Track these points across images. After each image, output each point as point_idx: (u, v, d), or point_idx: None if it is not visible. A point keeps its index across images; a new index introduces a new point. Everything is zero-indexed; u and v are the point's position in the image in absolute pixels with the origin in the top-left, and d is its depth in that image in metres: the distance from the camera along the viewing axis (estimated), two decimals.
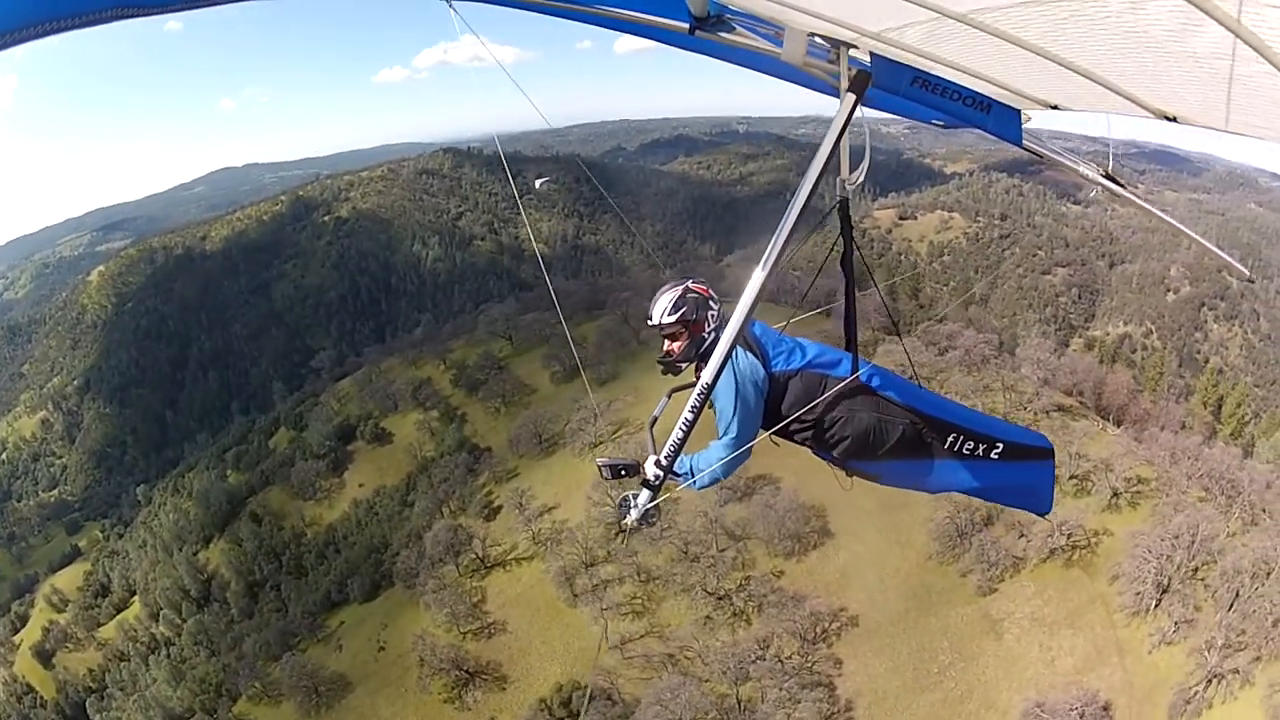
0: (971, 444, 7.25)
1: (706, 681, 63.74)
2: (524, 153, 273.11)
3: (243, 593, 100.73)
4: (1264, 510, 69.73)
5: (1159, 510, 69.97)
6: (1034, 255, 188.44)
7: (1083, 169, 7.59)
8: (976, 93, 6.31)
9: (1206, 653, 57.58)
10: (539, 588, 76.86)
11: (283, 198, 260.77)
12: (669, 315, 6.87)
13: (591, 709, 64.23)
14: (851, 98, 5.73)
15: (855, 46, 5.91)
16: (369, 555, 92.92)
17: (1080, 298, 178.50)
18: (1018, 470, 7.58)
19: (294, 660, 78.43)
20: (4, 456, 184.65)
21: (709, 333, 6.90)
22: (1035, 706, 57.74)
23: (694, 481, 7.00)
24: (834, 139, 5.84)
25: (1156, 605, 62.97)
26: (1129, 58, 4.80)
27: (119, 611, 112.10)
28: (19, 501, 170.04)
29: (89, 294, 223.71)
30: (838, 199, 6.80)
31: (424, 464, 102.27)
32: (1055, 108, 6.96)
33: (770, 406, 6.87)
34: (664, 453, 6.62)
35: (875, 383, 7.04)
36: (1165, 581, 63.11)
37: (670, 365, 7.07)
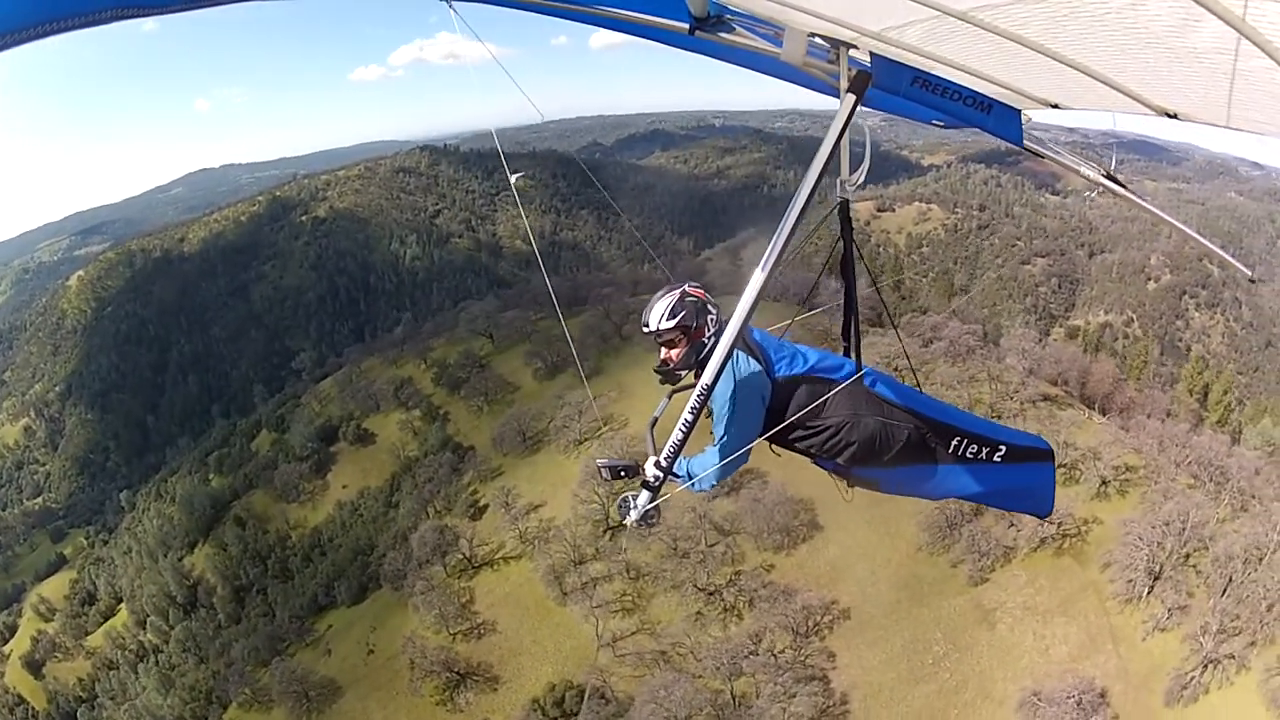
0: (975, 447, 7.21)
1: (700, 678, 63.44)
2: (501, 149, 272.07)
3: (229, 598, 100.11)
4: (1253, 496, 69.85)
5: (1148, 498, 70.01)
6: (1013, 245, 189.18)
7: (1084, 169, 7.66)
8: (977, 93, 6.35)
9: (1202, 638, 57.62)
10: (528, 587, 76.41)
11: (260, 198, 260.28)
12: (667, 321, 6.71)
13: (585, 708, 63.99)
14: (851, 98, 5.71)
15: (855, 46, 5.95)
16: (355, 557, 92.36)
17: (1060, 287, 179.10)
18: (1019, 473, 7.52)
19: (283, 666, 77.80)
20: None
21: (709, 338, 6.77)
22: (1032, 695, 57.86)
23: (693, 483, 6.97)
24: (834, 139, 5.80)
25: (1149, 592, 62.96)
26: (1130, 54, 4.80)
27: (106, 619, 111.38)
28: (4, 510, 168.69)
29: (69, 299, 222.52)
30: (838, 200, 6.75)
31: (408, 464, 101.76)
32: (1056, 106, 6.99)
33: (773, 413, 6.79)
34: (664, 454, 6.57)
35: (878, 387, 7.01)
36: (1157, 568, 63.06)
37: (669, 374, 7.02)
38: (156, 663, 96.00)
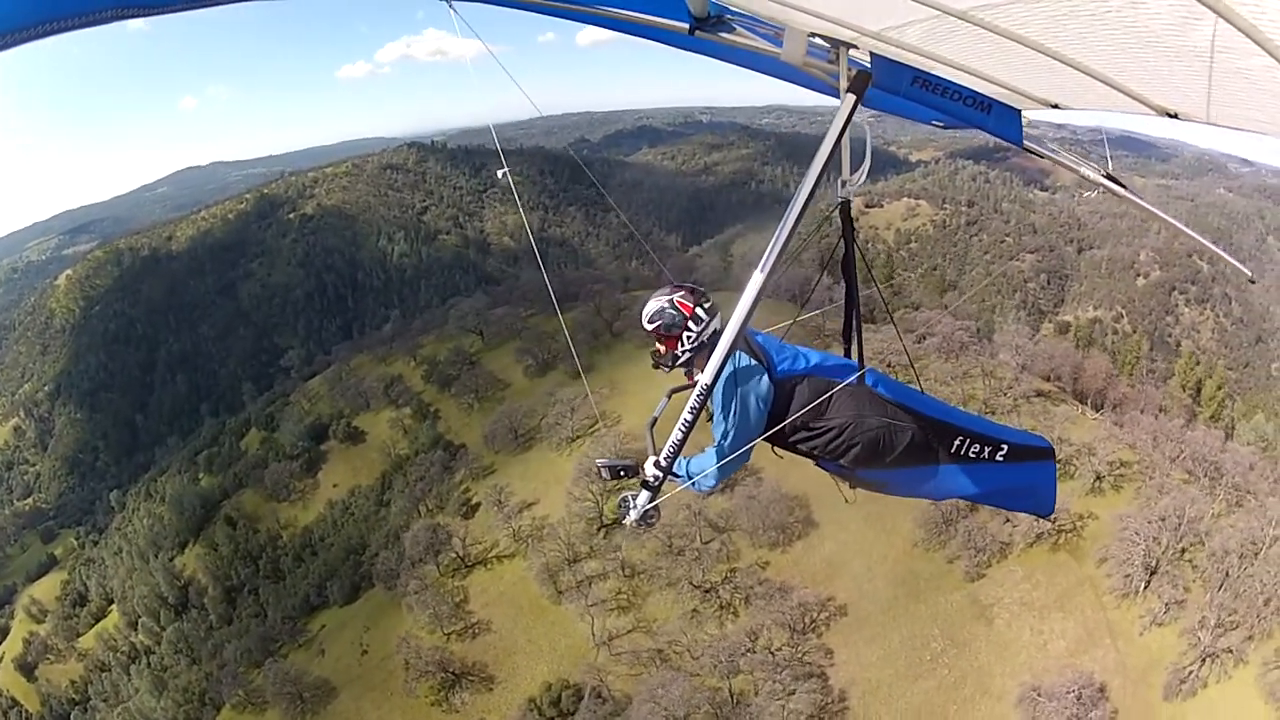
0: (977, 447, 7.21)
1: (697, 675, 63.23)
2: (487, 145, 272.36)
3: (221, 598, 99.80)
4: (1248, 492, 70.19)
5: (1143, 493, 70.20)
6: (1002, 242, 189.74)
7: (1084, 170, 7.61)
8: (977, 93, 6.31)
9: (1199, 633, 57.75)
10: (522, 586, 76.17)
11: (247, 196, 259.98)
12: (649, 323, 6.91)
13: (582, 708, 63.77)
14: (852, 98, 5.73)
15: (855, 46, 5.99)
16: (347, 557, 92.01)
17: (1049, 283, 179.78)
18: (1021, 472, 7.52)
19: (276, 667, 77.44)
20: None
21: (683, 351, 6.89)
22: (1031, 690, 57.89)
23: (693, 483, 6.99)
24: (834, 139, 5.80)
25: (1145, 587, 63.05)
26: (1130, 54, 4.80)
27: (97, 621, 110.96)
28: None
29: (57, 298, 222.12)
30: (839, 200, 6.78)
31: (399, 462, 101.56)
32: (1056, 106, 7.00)
33: (775, 414, 6.81)
34: (663, 454, 6.63)
35: (880, 388, 7.01)
36: (1153, 564, 63.19)
37: (658, 364, 7.11)
38: (149, 664, 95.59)
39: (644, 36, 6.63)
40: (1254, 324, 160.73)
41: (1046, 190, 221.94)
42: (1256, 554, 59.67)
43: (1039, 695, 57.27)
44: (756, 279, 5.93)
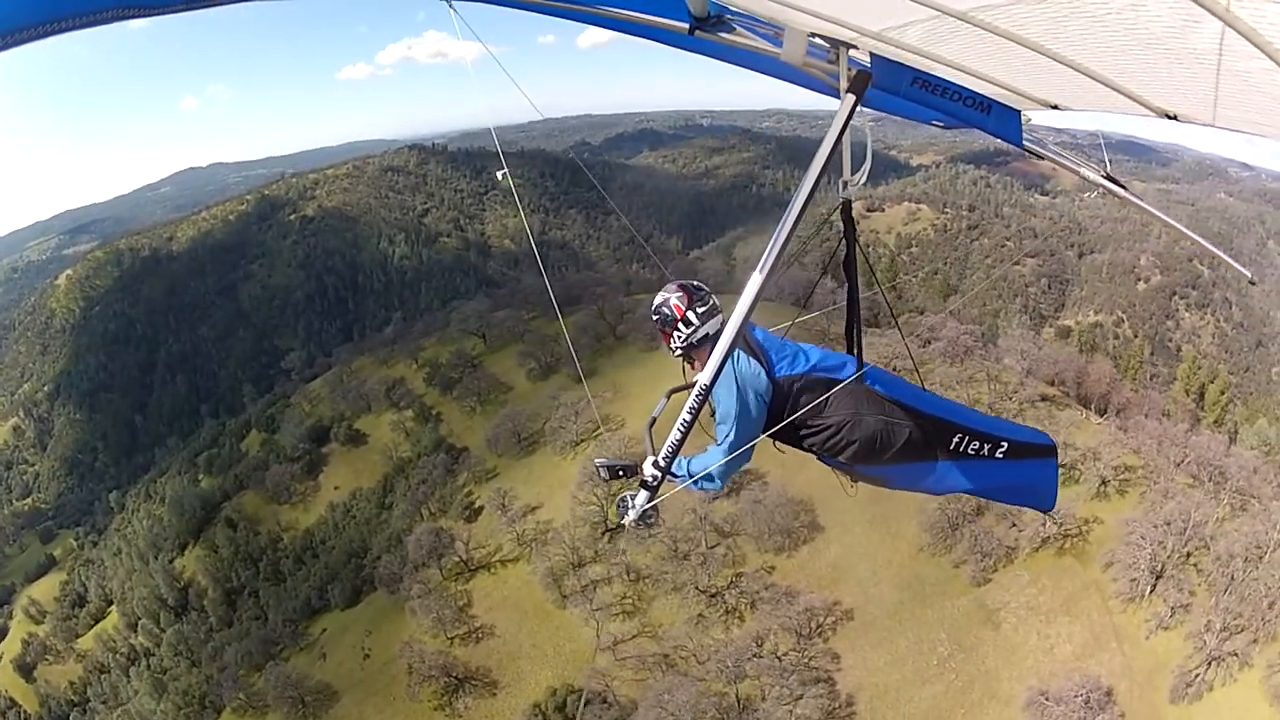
0: (976, 444, 7.32)
1: (702, 681, 62.86)
2: (488, 148, 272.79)
3: (221, 601, 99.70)
4: (1252, 496, 69.97)
5: (1147, 497, 70.02)
6: (1003, 246, 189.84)
7: (1083, 171, 7.87)
8: (977, 93, 6.41)
9: (1205, 636, 57.87)
10: (526, 590, 75.91)
11: (248, 197, 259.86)
12: (652, 315, 7.13)
13: (587, 712, 63.55)
14: (851, 98, 5.72)
15: (855, 47, 6.03)
16: (349, 560, 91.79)
17: (1050, 287, 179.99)
18: (1022, 468, 7.62)
19: (278, 670, 77.07)
20: None
21: (674, 347, 7.12)
22: (1039, 695, 57.69)
23: (693, 483, 7.07)
24: (834, 139, 5.77)
25: (1151, 591, 62.92)
26: (1130, 55, 4.83)
27: (97, 622, 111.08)
28: None
29: (57, 298, 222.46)
30: (840, 200, 6.97)
31: (401, 465, 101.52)
32: (1055, 107, 7.07)
33: (775, 412, 6.93)
34: (662, 454, 6.57)
35: (880, 386, 7.15)
36: (1159, 568, 63.11)
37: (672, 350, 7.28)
38: (148, 666, 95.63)
39: (644, 36, 6.70)
40: (1254, 328, 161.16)
41: (1047, 194, 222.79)
42: (1261, 558, 59.85)
43: (1046, 699, 57.09)
44: (755, 280, 5.92)
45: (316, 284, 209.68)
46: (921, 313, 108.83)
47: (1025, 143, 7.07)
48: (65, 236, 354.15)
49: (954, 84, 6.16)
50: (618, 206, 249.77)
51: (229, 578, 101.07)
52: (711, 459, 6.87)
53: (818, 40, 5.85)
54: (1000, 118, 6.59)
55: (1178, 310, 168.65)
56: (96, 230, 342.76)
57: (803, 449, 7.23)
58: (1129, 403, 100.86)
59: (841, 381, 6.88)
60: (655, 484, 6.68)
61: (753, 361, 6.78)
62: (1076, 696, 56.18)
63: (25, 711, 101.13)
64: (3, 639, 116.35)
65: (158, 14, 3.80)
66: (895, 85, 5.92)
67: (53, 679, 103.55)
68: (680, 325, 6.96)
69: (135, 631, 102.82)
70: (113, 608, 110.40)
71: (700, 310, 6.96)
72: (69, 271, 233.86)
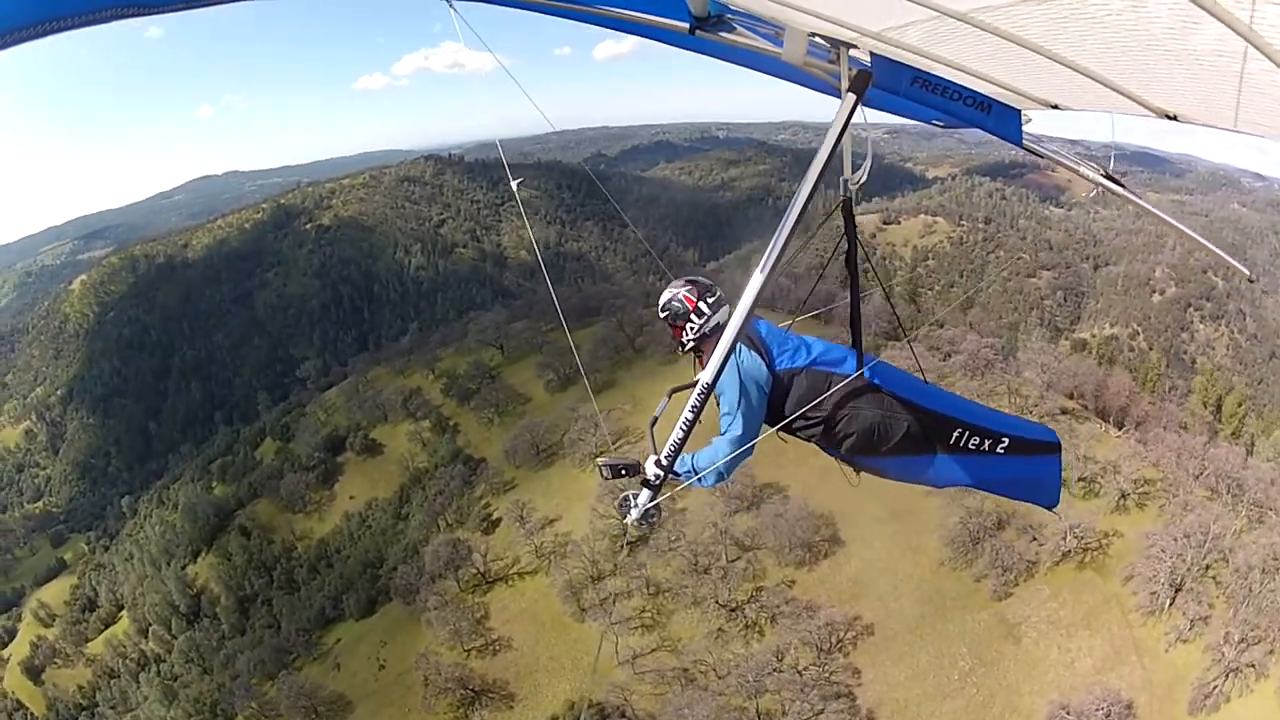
0: (977, 439, 7.34)
1: (722, 695, 62.63)
2: (505, 160, 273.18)
3: (234, 608, 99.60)
4: (1269, 508, 70.28)
5: (1167, 510, 70.28)
6: (1018, 258, 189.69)
7: (1082, 169, 7.78)
8: (977, 93, 6.40)
9: (1223, 648, 58.12)
10: (544, 602, 75.64)
11: (264, 205, 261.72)
12: (660, 313, 7.26)
13: None
14: (852, 98, 5.76)
15: (855, 46, 6.05)
16: (364, 570, 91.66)
17: (1065, 300, 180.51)
18: (1024, 465, 7.65)
19: (291, 679, 77.07)
20: None
21: (686, 340, 7.19)
22: (1060, 709, 57.70)
23: (696, 480, 7.09)
24: (834, 139, 5.84)
25: (1171, 604, 63.15)
26: (1130, 56, 4.88)
27: (107, 627, 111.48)
28: (3, 513, 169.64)
29: (71, 303, 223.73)
30: (841, 198, 6.90)
31: (417, 476, 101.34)
32: (1056, 107, 7.14)
33: (775, 404, 7.02)
34: (664, 452, 6.67)
35: (880, 379, 7.16)
36: (1178, 580, 63.39)
37: (679, 347, 7.38)
38: (159, 673, 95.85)
39: (644, 36, 6.76)
40: (1268, 340, 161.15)
41: (1062, 207, 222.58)
42: (1278, 569, 60.17)
43: (1067, 713, 57.16)
44: (757, 279, 6.01)
45: (332, 293, 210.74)
46: (941, 325, 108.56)
47: (1025, 141, 7.08)
48: (80, 242, 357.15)
49: (954, 83, 6.19)
50: (634, 219, 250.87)
51: (242, 585, 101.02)
52: (715, 454, 6.91)
53: (818, 40, 5.90)
54: (1000, 117, 6.59)
55: (1192, 322, 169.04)
56: (111, 236, 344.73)
57: (802, 439, 7.28)
58: (1147, 415, 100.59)
59: (841, 375, 6.97)
60: (658, 483, 6.78)
61: (754, 355, 6.87)
62: (1097, 710, 56.27)
63: (32, 714, 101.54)
64: (11, 641, 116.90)
65: (157, 13, 3.78)
66: (895, 85, 5.97)
67: (61, 682, 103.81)
68: (693, 316, 7.07)
69: (146, 637, 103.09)
70: (123, 613, 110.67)
71: (710, 300, 7.11)
72: (83, 276, 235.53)
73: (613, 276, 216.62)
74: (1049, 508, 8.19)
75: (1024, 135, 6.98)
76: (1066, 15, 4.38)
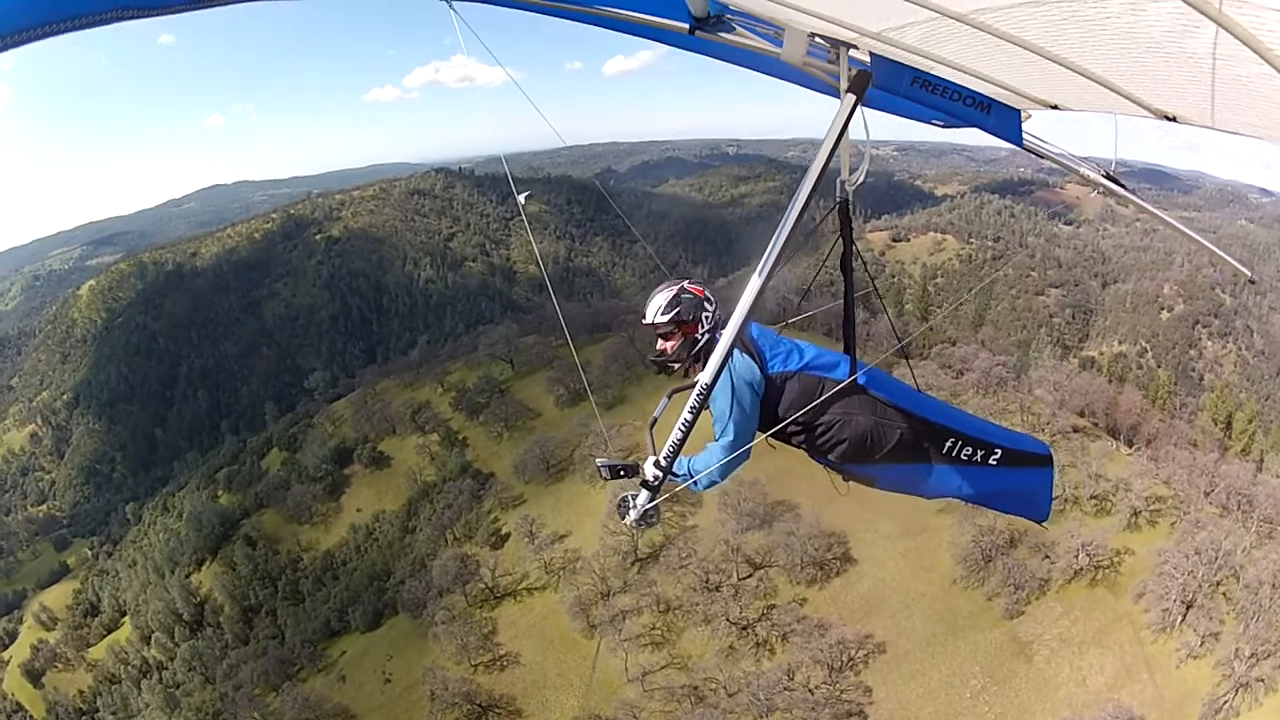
0: (970, 450, 7.21)
1: (732, 713, 62.66)
2: (515, 172, 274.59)
3: (238, 618, 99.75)
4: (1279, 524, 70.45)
5: (1178, 527, 70.58)
6: (1027, 276, 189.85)
7: (1084, 170, 7.64)
8: (976, 93, 6.35)
9: (1233, 663, 58.44)
10: (553, 619, 75.43)
11: (274, 215, 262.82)
12: (663, 315, 6.95)
13: None
14: (851, 98, 5.80)
15: (855, 47, 6.02)
16: (370, 583, 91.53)
17: (1074, 318, 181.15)
18: (1016, 477, 7.50)
19: (295, 691, 76.97)
20: None
21: (702, 334, 6.95)
22: None
23: (693, 483, 6.99)
24: (834, 139, 5.89)
25: (1182, 620, 63.53)
26: (1129, 58, 4.87)
27: (109, 632, 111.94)
28: (7, 515, 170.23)
29: (79, 308, 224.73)
30: (838, 200, 6.89)
31: (425, 489, 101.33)
32: (1055, 108, 7.04)
33: (767, 408, 6.86)
34: (663, 453, 6.64)
35: (874, 386, 7.02)
36: (1189, 597, 63.77)
37: (663, 365, 7.18)
38: (161, 680, 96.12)
39: (644, 36, 6.77)
40: (1276, 357, 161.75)
41: (1071, 224, 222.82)
42: None
43: None
44: (754, 283, 6.06)
45: (341, 304, 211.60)
46: (954, 343, 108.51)
47: (1025, 141, 6.97)
48: (88, 247, 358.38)
49: (954, 84, 6.14)
50: (644, 234, 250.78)
51: (247, 595, 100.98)
52: (710, 459, 6.77)
53: (818, 40, 5.86)
54: (1000, 117, 6.51)
55: (1200, 339, 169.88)
56: (120, 243, 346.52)
57: (791, 445, 7.13)
58: (1158, 433, 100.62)
59: (834, 380, 6.83)
60: (656, 484, 6.76)
61: (746, 359, 6.71)
62: None
63: (31, 716, 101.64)
64: (12, 643, 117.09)
65: (157, 14, 3.79)
66: (895, 85, 5.94)
67: (61, 686, 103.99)
68: (706, 304, 6.91)
69: (148, 644, 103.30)
70: (126, 619, 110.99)
71: (709, 295, 6.99)
72: (91, 282, 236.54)
73: (623, 292, 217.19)
74: (1039, 521, 8.09)
75: (1024, 136, 6.91)
76: (1065, 17, 4.41)
